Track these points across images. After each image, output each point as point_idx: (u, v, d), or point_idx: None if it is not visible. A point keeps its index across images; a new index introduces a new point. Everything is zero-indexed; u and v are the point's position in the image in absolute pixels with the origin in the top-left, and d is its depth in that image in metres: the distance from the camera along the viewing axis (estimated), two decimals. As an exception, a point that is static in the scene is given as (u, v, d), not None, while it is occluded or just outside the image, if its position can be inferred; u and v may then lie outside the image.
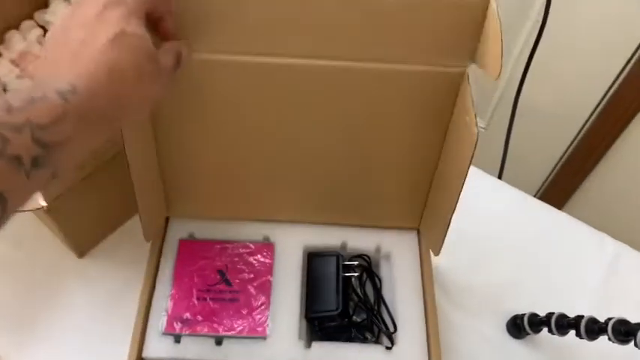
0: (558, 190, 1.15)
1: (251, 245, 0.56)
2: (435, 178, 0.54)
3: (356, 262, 0.58)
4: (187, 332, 0.50)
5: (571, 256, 0.68)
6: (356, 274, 0.58)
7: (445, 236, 0.49)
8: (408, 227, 0.59)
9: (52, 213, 0.53)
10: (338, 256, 0.57)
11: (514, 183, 0.74)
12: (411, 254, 0.58)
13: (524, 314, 0.58)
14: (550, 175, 1.14)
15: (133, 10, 0.33)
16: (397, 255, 0.58)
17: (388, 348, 0.52)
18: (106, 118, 0.31)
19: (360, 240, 0.58)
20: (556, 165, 1.11)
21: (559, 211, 0.73)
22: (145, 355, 0.49)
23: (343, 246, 0.58)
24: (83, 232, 0.61)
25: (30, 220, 0.63)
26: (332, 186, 0.57)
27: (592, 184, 1.10)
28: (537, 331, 0.57)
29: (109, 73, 0.31)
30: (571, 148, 1.06)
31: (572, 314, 0.52)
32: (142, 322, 0.50)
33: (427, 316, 0.54)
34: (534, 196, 0.75)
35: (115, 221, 0.64)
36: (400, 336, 0.53)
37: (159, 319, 0.51)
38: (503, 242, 0.67)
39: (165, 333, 0.50)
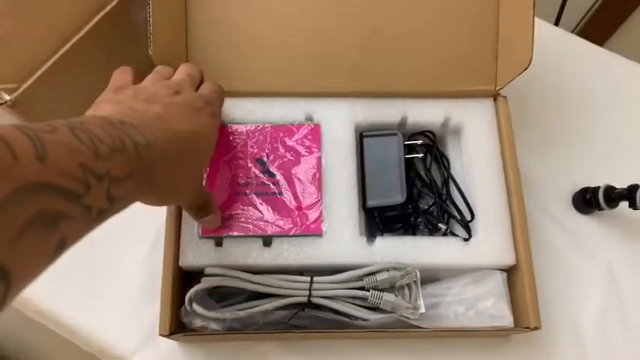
0: (598, 29, 1.03)
1: (293, 128, 0.46)
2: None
3: (419, 141, 0.48)
4: (229, 233, 0.42)
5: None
6: (420, 155, 0.48)
7: (533, 40, 0.42)
8: (482, 92, 0.48)
9: (19, 108, 0.40)
10: (398, 134, 0.47)
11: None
12: (486, 126, 0.47)
13: (598, 187, 0.50)
14: (589, 10, 1.01)
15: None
16: (470, 127, 0.47)
17: (465, 240, 0.44)
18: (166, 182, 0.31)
19: (422, 113, 0.48)
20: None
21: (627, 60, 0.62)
22: (182, 263, 0.42)
23: (402, 122, 0.48)
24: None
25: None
26: (385, 43, 0.46)
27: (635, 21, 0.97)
28: (614, 206, 0.49)
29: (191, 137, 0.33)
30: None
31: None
32: (174, 227, 0.42)
33: (511, 200, 0.45)
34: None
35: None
36: (479, 225, 0.44)
37: (193, 222, 0.43)
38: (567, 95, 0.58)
39: (203, 236, 0.42)
